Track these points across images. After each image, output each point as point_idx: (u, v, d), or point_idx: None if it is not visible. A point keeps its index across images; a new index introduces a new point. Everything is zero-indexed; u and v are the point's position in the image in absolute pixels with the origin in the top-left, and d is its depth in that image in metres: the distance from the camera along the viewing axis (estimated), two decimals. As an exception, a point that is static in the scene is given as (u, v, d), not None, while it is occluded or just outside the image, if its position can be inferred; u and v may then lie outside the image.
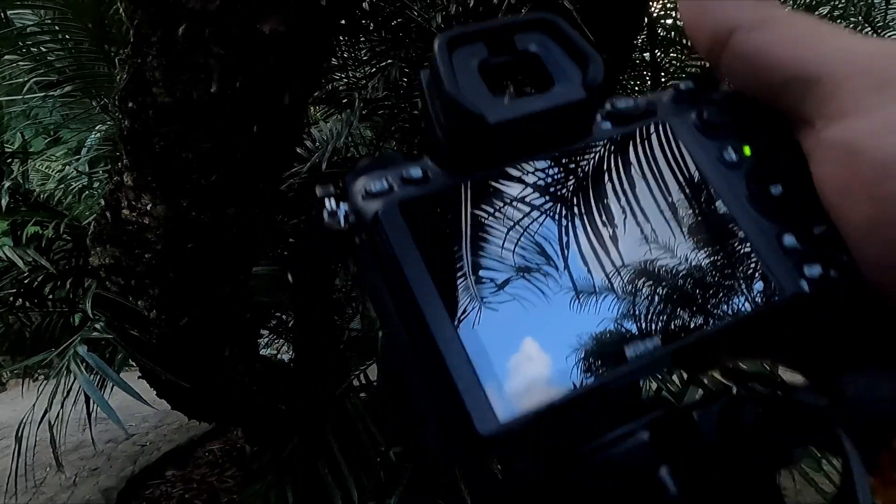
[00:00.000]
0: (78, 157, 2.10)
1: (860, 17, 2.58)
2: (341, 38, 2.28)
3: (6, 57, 1.97)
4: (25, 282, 1.78)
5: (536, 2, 1.72)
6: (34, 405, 1.46)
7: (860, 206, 0.19)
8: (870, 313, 0.19)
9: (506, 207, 0.20)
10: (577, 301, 0.18)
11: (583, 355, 0.18)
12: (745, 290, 0.19)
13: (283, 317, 2.37)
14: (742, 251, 0.20)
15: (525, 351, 0.17)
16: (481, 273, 0.18)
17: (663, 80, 2.41)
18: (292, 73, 1.14)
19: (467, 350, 0.17)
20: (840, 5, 2.53)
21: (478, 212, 0.19)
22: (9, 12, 1.80)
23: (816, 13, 2.47)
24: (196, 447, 2.71)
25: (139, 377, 1.65)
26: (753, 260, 0.20)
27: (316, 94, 2.51)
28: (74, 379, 1.32)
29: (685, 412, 0.19)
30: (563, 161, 0.21)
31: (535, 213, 0.20)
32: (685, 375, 1.46)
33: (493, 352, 0.17)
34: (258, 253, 1.66)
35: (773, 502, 0.18)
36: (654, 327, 0.19)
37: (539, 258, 0.19)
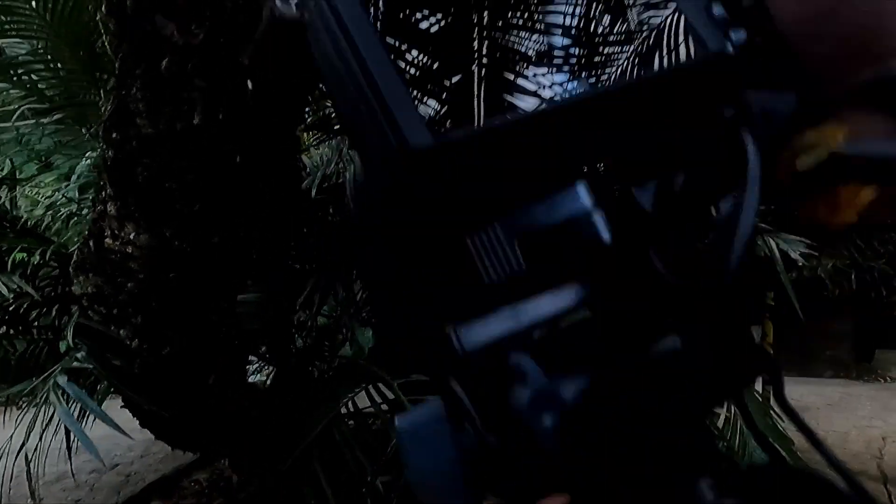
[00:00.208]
0: (67, 183, 2.11)
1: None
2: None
3: (-1, 85, 1.99)
4: (10, 309, 1.77)
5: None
6: (11, 436, 1.44)
7: None
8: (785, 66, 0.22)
9: None
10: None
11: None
12: (678, 51, 0.21)
13: (273, 342, 2.35)
14: (677, 18, 0.21)
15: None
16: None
17: None
18: (275, 104, 1.15)
19: (403, 84, 0.19)
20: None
21: None
22: (1, 41, 1.82)
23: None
24: (182, 477, 2.67)
25: (122, 406, 1.63)
26: (688, 25, 0.23)
27: (308, 121, 2.54)
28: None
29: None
30: None
31: None
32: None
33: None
34: (243, 281, 1.66)
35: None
36: (588, 74, 0.20)
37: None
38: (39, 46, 1.87)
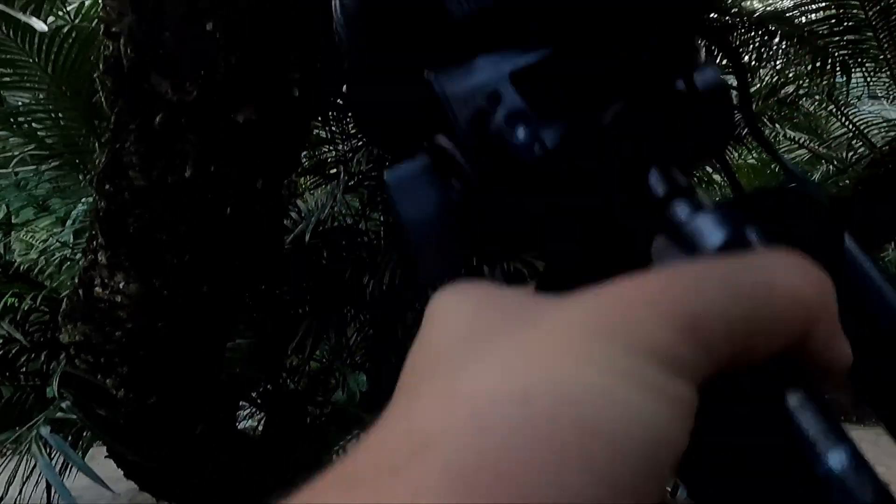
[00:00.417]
0: (61, 229, 2.13)
1: (824, 96, 2.70)
2: (330, 113, 2.36)
3: (-1, 133, 2.03)
4: (-2, 355, 1.76)
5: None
6: (-7, 487, 1.41)
7: None
8: None
9: None
10: None
11: None
12: None
13: (264, 388, 2.33)
14: None
15: None
16: None
17: None
18: (266, 158, 1.18)
19: None
20: (804, 85, 2.65)
21: None
22: (3, 92, 1.87)
23: (782, 92, 2.58)
24: (168, 526, 2.59)
25: (106, 456, 1.61)
26: None
27: (305, 165, 2.58)
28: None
29: None
30: None
31: None
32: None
33: None
34: (232, 329, 1.65)
35: None
36: None
37: None
38: (41, 96, 1.92)
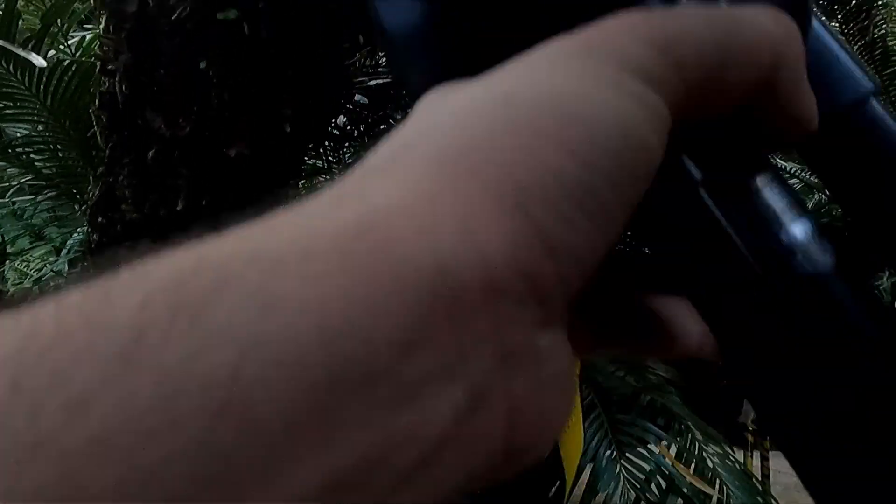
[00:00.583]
0: (56, 258, 2.13)
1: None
2: (326, 143, 2.40)
3: (-3, 164, 2.05)
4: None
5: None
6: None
7: None
8: None
9: None
10: None
11: None
12: None
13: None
14: None
15: None
16: None
17: None
18: (257, 191, 1.19)
19: None
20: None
21: None
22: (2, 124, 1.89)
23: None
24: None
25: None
26: None
27: (302, 195, 2.60)
28: None
29: None
30: None
31: None
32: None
33: None
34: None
35: None
36: None
37: None
38: (39, 128, 1.95)
